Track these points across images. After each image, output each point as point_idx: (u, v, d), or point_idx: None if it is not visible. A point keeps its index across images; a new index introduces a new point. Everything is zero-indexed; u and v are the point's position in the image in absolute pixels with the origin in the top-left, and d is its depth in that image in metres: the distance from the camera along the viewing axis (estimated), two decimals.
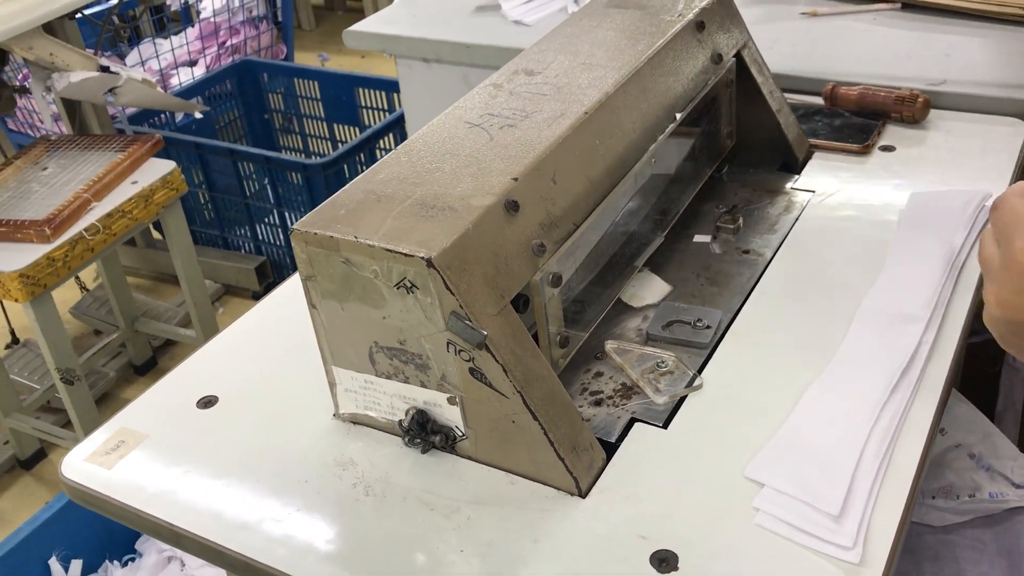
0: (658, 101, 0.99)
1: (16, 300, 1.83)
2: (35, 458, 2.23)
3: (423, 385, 0.80)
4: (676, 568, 0.70)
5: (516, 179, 0.81)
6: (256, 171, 2.61)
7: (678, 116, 1.01)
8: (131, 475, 0.84)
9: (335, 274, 0.78)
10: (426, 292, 0.74)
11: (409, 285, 0.75)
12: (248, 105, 3.14)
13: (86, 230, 1.90)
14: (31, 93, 2.32)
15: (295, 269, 2.49)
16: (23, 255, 1.82)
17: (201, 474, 0.83)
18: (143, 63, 3.30)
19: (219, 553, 0.77)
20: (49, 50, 2.11)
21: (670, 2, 1.10)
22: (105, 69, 2.17)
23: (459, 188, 0.80)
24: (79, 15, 2.39)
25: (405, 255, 0.73)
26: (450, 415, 0.81)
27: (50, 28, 2.13)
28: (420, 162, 0.85)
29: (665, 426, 0.83)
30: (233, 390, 0.92)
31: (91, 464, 0.85)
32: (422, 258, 0.73)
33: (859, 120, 1.24)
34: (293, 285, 1.07)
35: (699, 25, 1.07)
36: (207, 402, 0.91)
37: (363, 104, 3.01)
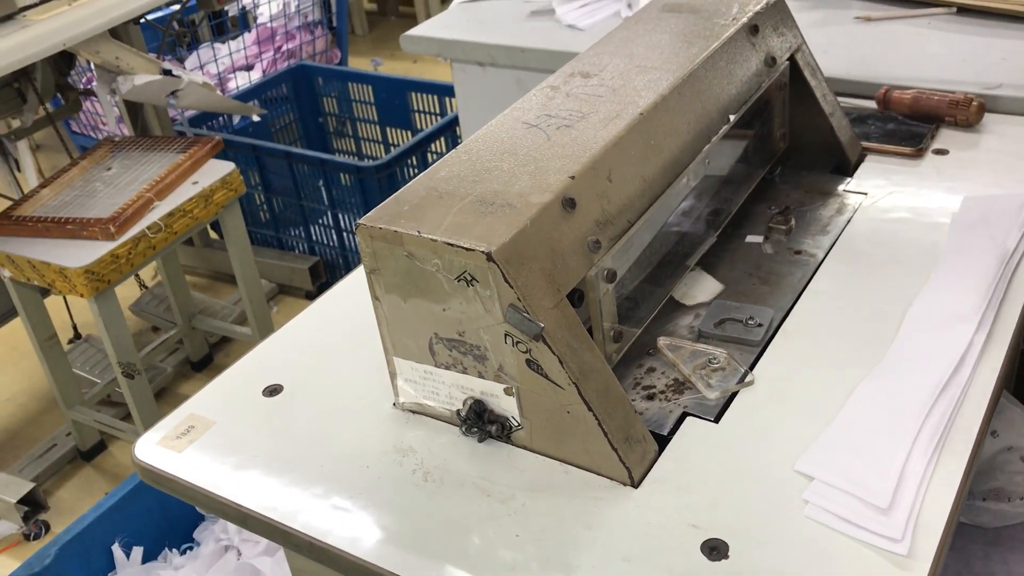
0: (712, 103, 1.01)
1: (81, 295, 1.89)
2: (95, 450, 2.30)
3: (481, 376, 0.83)
4: (726, 556, 0.72)
5: (573, 177, 0.83)
6: (311, 173, 2.66)
7: (732, 118, 1.03)
8: (200, 458, 0.88)
9: (398, 267, 0.81)
10: (485, 285, 0.77)
11: (469, 278, 0.77)
12: (303, 108, 3.20)
13: (149, 228, 1.96)
14: (95, 96, 2.40)
15: (348, 270, 2.51)
16: (88, 252, 1.88)
17: (266, 458, 0.87)
18: (201, 67, 3.38)
19: (284, 533, 0.80)
20: (115, 54, 2.18)
21: (724, 6, 1.12)
22: (167, 72, 2.23)
23: (517, 186, 0.83)
24: (142, 20, 2.47)
25: (466, 249, 0.76)
26: (506, 405, 0.83)
27: (115, 33, 2.20)
28: (480, 161, 0.88)
29: (716, 420, 0.85)
30: (297, 379, 0.95)
31: (162, 448, 0.89)
32: (482, 252, 0.75)
33: (912, 124, 1.24)
34: (351, 282, 1.10)
35: (753, 29, 1.09)
36: (272, 390, 0.94)
37: (415, 108, 3.05)
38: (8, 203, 2.12)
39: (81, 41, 2.04)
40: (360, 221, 0.82)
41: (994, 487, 1.15)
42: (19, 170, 2.36)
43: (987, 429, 0.82)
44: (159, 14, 3.03)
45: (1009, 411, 1.22)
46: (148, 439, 0.90)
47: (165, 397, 2.42)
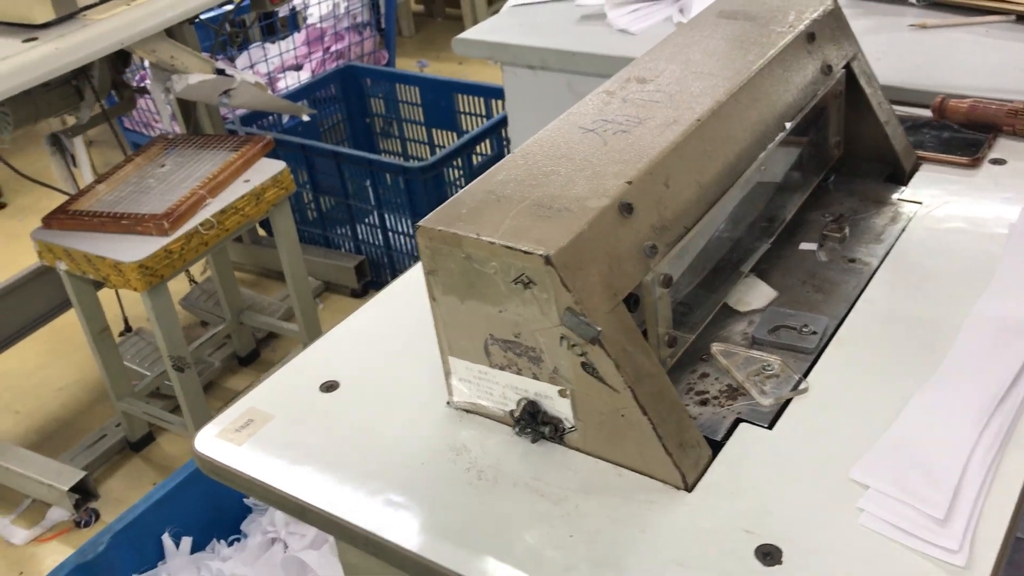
0: (768, 110, 1.01)
1: (135, 289, 1.93)
2: (144, 441, 2.34)
3: (535, 377, 0.84)
4: (780, 562, 0.73)
5: (630, 182, 0.84)
6: (358, 173, 2.69)
7: (788, 125, 1.03)
8: (259, 451, 0.89)
9: (456, 269, 0.82)
10: (543, 288, 0.78)
11: (526, 281, 0.78)
12: (351, 109, 3.23)
13: (201, 225, 1.99)
14: (149, 94, 2.44)
15: (393, 269, 2.53)
16: (142, 247, 1.92)
17: (324, 453, 0.88)
18: (252, 66, 3.42)
19: (340, 526, 0.82)
20: (170, 53, 2.22)
21: (781, 13, 1.12)
22: (221, 72, 2.27)
23: (575, 190, 0.84)
24: (196, 20, 2.51)
25: (524, 252, 0.77)
26: (560, 407, 0.84)
27: (170, 32, 2.24)
28: (536, 165, 0.89)
29: (770, 427, 0.85)
30: (353, 376, 0.97)
31: (222, 440, 0.91)
32: (540, 255, 0.76)
33: (968, 133, 1.23)
34: (405, 282, 1.12)
35: (810, 36, 1.09)
36: (329, 386, 0.96)
37: (461, 110, 3.07)
38: (65, 198, 2.17)
39: (138, 40, 2.08)
40: (420, 223, 0.83)
41: None
42: (75, 165, 2.41)
43: None
44: (211, 14, 3.07)
45: None
46: (208, 432, 0.92)
47: (212, 391, 2.46)
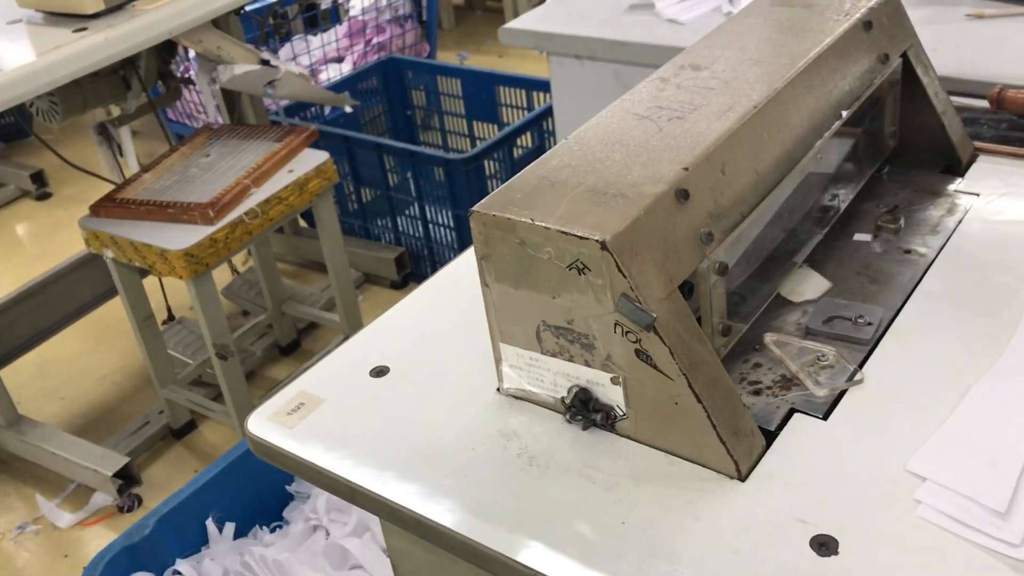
0: (825, 98, 1.00)
1: (180, 277, 1.95)
2: (186, 428, 2.36)
3: (587, 364, 0.83)
4: (836, 553, 0.72)
5: (686, 168, 0.83)
6: (399, 165, 2.70)
7: (844, 114, 1.01)
8: (311, 434, 0.90)
9: (509, 254, 0.82)
10: (598, 274, 0.77)
11: (581, 267, 0.78)
12: (392, 101, 3.24)
13: (246, 214, 2.01)
14: (194, 84, 2.47)
15: (433, 261, 2.54)
16: (188, 235, 1.94)
17: (375, 436, 0.88)
18: (294, 59, 3.44)
19: (391, 509, 0.82)
20: (216, 43, 2.23)
21: (837, 1, 1.11)
22: (266, 63, 2.28)
23: (630, 176, 0.83)
24: (242, 11, 2.53)
25: (580, 238, 0.77)
26: (612, 394, 0.83)
27: (216, 23, 2.26)
28: (591, 151, 0.88)
29: (825, 418, 0.84)
30: (402, 362, 0.97)
31: (274, 423, 0.92)
32: (596, 241, 0.76)
33: None
34: (451, 271, 1.12)
35: (866, 24, 1.07)
36: (379, 371, 0.96)
37: (502, 102, 3.07)
38: (108, 188, 2.19)
39: (186, 31, 2.10)
40: (474, 208, 0.83)
41: None
42: (121, 155, 2.44)
43: None
44: (256, 5, 3.10)
45: None
46: (260, 414, 0.93)
47: (254, 380, 2.48)
